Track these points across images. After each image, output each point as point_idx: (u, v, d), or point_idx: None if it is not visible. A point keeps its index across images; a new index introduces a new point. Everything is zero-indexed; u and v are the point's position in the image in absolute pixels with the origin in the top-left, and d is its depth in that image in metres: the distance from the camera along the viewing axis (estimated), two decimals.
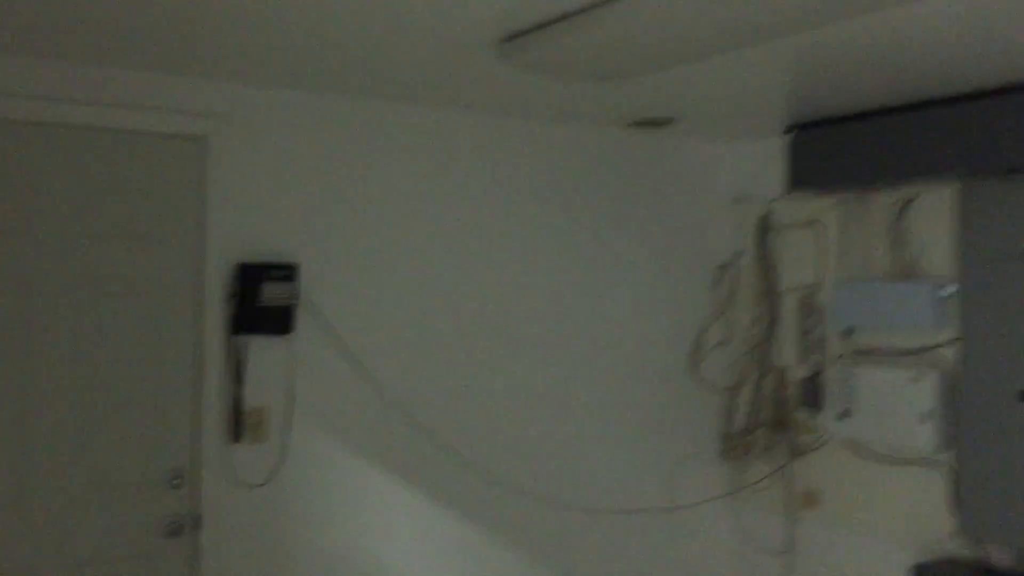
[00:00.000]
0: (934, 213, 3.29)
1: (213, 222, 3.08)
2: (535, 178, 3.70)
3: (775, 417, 3.86)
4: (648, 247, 3.96)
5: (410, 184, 3.44)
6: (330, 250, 3.28)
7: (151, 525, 3.00)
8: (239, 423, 3.10)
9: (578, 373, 3.78)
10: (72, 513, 2.89)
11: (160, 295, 3.03)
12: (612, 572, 3.86)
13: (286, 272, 3.11)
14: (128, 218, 2.98)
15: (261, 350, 3.14)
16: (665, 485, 3.97)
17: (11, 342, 2.81)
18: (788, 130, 3.60)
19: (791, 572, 3.85)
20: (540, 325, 3.69)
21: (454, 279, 3.52)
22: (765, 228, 3.92)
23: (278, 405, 3.17)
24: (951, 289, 3.20)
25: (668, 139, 3.99)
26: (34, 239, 2.84)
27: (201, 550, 3.05)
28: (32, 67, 2.81)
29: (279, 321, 3.12)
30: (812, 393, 3.67)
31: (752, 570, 4.02)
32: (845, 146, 3.37)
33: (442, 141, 3.50)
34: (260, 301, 3.07)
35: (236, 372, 3.10)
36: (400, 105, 3.40)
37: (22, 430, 2.82)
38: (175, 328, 3.05)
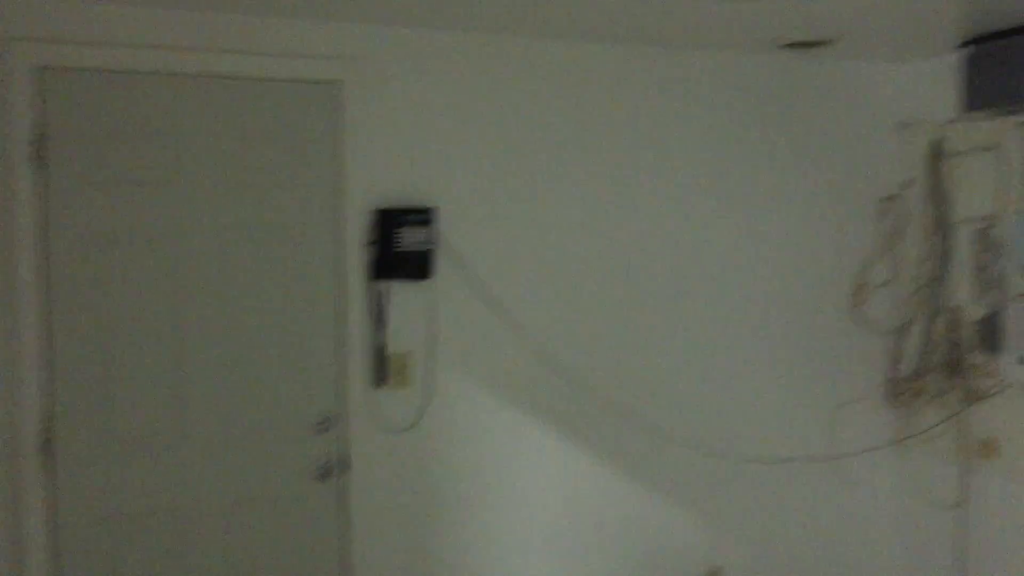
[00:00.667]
0: None
1: (351, 167, 3.07)
2: (685, 109, 3.50)
3: (948, 360, 3.56)
4: (808, 178, 3.70)
5: (551, 122, 3.32)
6: (470, 194, 3.22)
7: (302, 468, 3.07)
8: (383, 368, 3.11)
9: (734, 314, 3.60)
10: (226, 454, 2.98)
11: (302, 241, 3.05)
12: (772, 522, 3.70)
13: (424, 216, 3.07)
14: (268, 166, 3.01)
15: (402, 296, 3.13)
16: (828, 432, 3.75)
17: (163, 290, 2.90)
18: (963, 44, 3.26)
19: (965, 526, 3.58)
20: (691, 265, 3.53)
21: (598, 220, 3.39)
22: (936, 155, 3.58)
23: (421, 350, 3.16)
24: None
25: (826, 62, 3.70)
26: (178, 189, 2.91)
27: (349, 493, 3.09)
28: (168, 18, 2.84)
29: (418, 266, 3.09)
30: (990, 335, 3.36)
31: (921, 523, 3.77)
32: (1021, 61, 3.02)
33: (583, 76, 3.35)
34: (399, 246, 3.05)
35: (378, 317, 3.10)
36: (538, 41, 3.27)
37: (178, 375, 2.92)
38: (317, 274, 3.07)
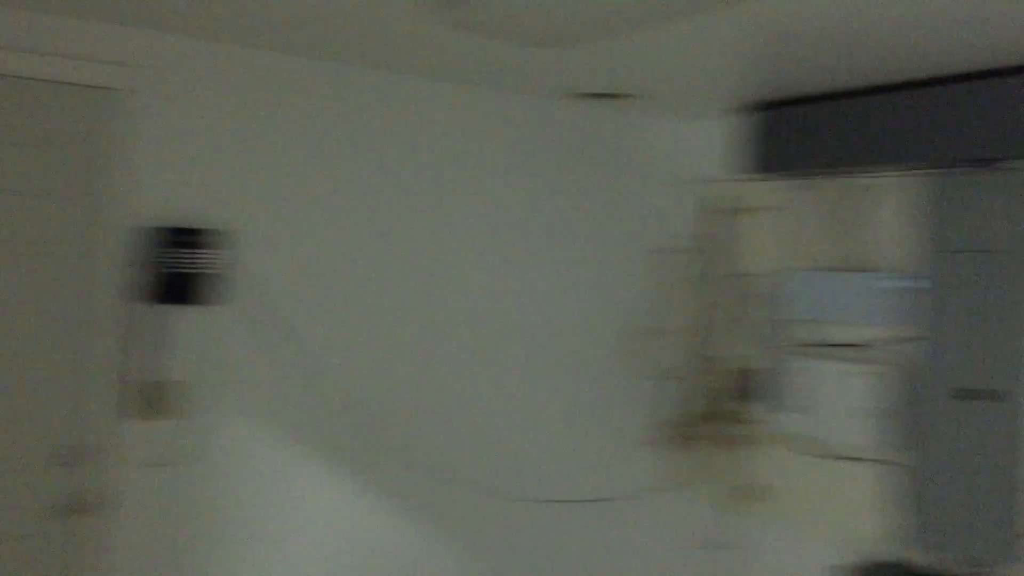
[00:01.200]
0: (892, 203, 3.15)
1: (121, 180, 2.85)
2: (478, 148, 3.50)
3: (716, 408, 3.71)
4: (592, 226, 3.78)
5: (351, 152, 3.23)
6: (264, 219, 3.06)
7: (40, 504, 2.79)
8: (151, 398, 2.89)
9: (516, 356, 3.61)
10: None
11: (50, 257, 2.78)
12: (548, 563, 3.71)
13: (206, 238, 2.90)
14: (21, 172, 2.74)
15: (183, 321, 2.93)
16: (604, 475, 3.81)
17: None
18: (747, 110, 3.44)
19: (729, 567, 3.72)
20: (482, 306, 3.51)
21: (393, 256, 3.32)
22: (713, 211, 3.75)
23: (198, 380, 2.96)
24: (907, 282, 3.06)
25: (618, 115, 3.81)
26: None
27: (103, 530, 2.85)
28: None
29: (198, 290, 2.90)
30: (756, 384, 3.53)
31: (689, 564, 3.89)
32: (801, 129, 3.21)
33: (382, 107, 3.29)
34: (176, 268, 2.85)
35: (149, 343, 2.89)
36: (337, 66, 3.18)
37: None
38: (65, 294, 2.80)
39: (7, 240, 2.72)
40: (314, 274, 3.17)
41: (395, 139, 3.33)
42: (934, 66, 2.75)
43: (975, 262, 2.81)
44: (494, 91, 3.50)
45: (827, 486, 3.34)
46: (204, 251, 2.89)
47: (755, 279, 3.60)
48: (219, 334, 2.99)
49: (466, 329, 3.49)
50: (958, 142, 2.79)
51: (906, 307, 3.05)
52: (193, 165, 2.95)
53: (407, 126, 3.35)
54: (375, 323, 3.30)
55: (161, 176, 2.90)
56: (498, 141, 3.55)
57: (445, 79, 3.35)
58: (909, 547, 3.04)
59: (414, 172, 3.37)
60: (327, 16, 2.59)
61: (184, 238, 2.86)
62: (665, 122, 3.91)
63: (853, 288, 3.20)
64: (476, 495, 3.49)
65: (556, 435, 3.72)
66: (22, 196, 2.74)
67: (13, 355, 2.74)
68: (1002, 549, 2.72)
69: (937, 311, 2.90)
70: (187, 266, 2.87)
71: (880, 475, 3.14)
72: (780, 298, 3.47)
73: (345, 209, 3.23)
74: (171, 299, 2.87)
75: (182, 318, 2.93)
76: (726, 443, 3.66)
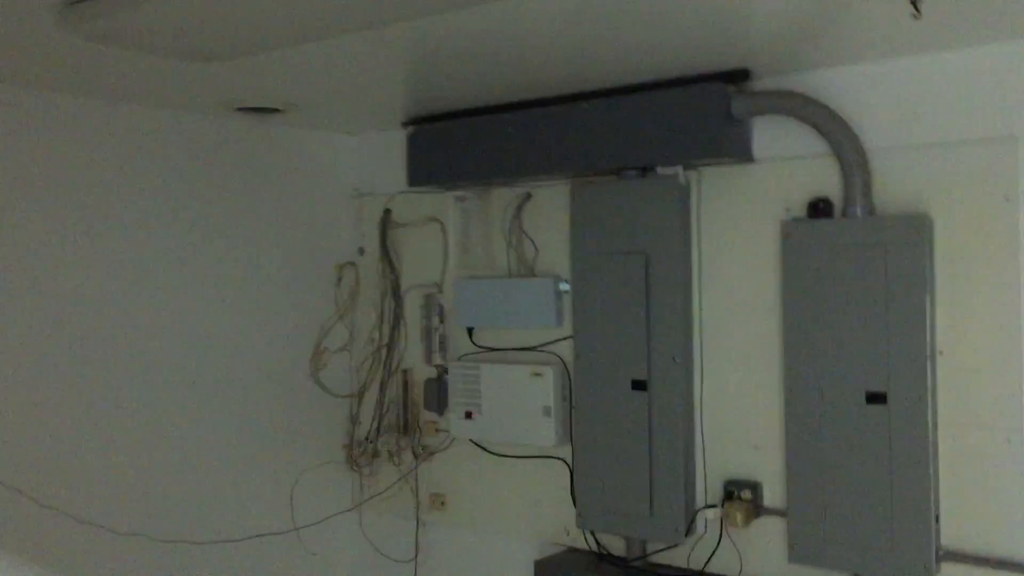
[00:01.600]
0: (551, 211, 3.33)
1: None
2: (131, 167, 3.23)
3: (401, 421, 3.73)
4: (268, 244, 3.64)
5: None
6: None
7: None
8: None
9: (181, 388, 3.37)
10: None
11: None
12: None
13: None
14: None
15: None
16: (288, 504, 3.68)
17: None
18: (407, 124, 3.48)
19: None
20: (137, 333, 3.24)
21: (25, 275, 2.97)
22: (387, 224, 3.77)
23: None
24: (567, 286, 3.24)
25: (284, 129, 3.69)
26: None
27: None
28: None
29: None
30: (437, 394, 3.59)
31: None
32: (463, 141, 3.30)
33: (17, 123, 2.94)
34: None
35: None
36: None
37: None
38: None
39: None
40: None
41: (44, 161, 2.99)
42: (582, 81, 2.94)
43: (625, 262, 3.04)
44: (151, 108, 3.25)
45: (510, 485, 3.47)
46: None
47: (428, 289, 3.65)
48: None
49: (131, 361, 3.21)
50: (604, 151, 3.01)
51: (568, 308, 3.24)
52: None
53: (56, 146, 3.02)
54: (24, 355, 2.95)
55: None
56: (156, 159, 3.30)
57: (94, 95, 3.06)
58: (593, 534, 3.23)
59: (65, 195, 3.04)
60: None
61: None
62: (330, 136, 3.85)
63: (519, 293, 3.34)
64: (143, 543, 3.21)
65: (238, 468, 3.54)
66: None
67: None
68: (678, 525, 2.97)
69: (601, 311, 3.09)
70: None
71: (559, 469, 3.31)
72: (453, 307, 3.55)
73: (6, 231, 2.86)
74: None
75: None
76: (415, 454, 3.68)
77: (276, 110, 3.32)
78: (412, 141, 3.46)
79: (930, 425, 2.56)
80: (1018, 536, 2.51)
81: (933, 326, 2.59)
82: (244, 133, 3.58)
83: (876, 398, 2.62)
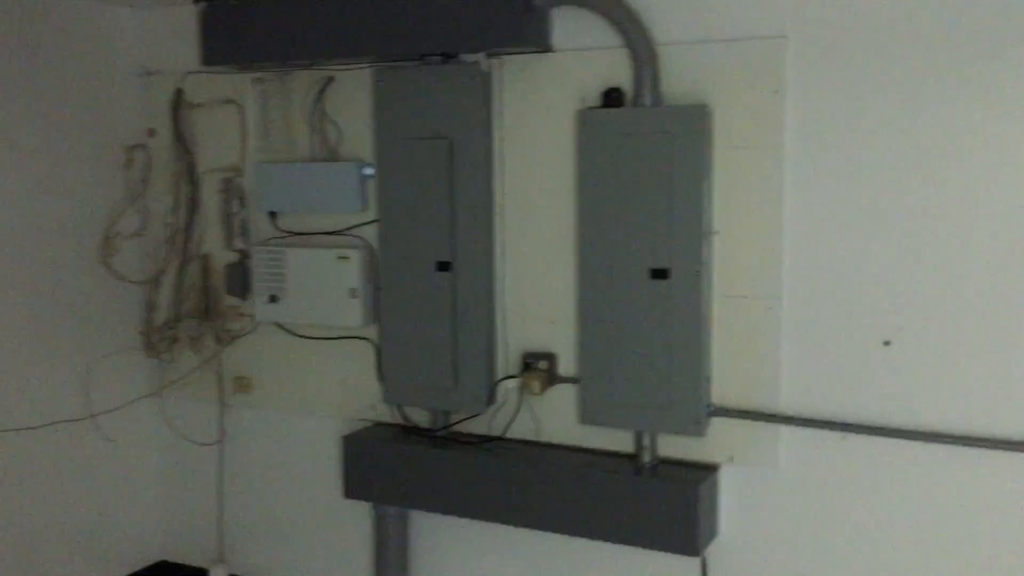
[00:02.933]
0: (353, 95, 3.33)
1: None
2: None
3: (201, 306, 3.70)
4: (44, 125, 3.44)
5: None
6: None
7: None
8: None
9: None
10: None
11: None
12: (32, 494, 3.45)
13: None
14: None
15: None
16: (83, 392, 3.60)
17: None
18: (204, 1, 3.34)
19: (225, 460, 3.79)
20: None
21: None
22: (179, 105, 3.64)
23: None
24: (371, 170, 3.29)
25: (64, 1, 3.45)
26: None
27: None
28: None
29: None
30: (239, 279, 3.58)
31: (186, 465, 3.89)
32: (262, 20, 3.24)
33: None
34: None
35: None
36: None
37: None
38: None
39: None
40: None
41: None
42: None
43: (428, 147, 3.13)
44: None
45: (316, 366, 3.55)
46: None
47: (224, 174, 3.59)
48: None
49: None
50: (408, 37, 3.04)
51: (373, 193, 3.30)
52: None
53: None
54: None
55: None
56: None
57: None
58: (399, 408, 3.39)
59: None
60: None
61: None
62: (116, 9, 3.63)
63: (322, 178, 3.36)
64: None
65: (25, 357, 3.41)
66: None
67: None
68: (480, 395, 3.17)
69: (407, 195, 3.18)
70: None
71: (364, 348, 3.42)
72: (255, 191, 3.51)
73: None
74: None
75: None
76: (217, 339, 3.67)
77: None
78: (206, 18, 3.33)
79: (704, 298, 2.87)
80: (773, 391, 2.88)
81: (709, 208, 2.86)
82: (24, 4, 3.32)
83: (659, 273, 2.88)
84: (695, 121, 2.81)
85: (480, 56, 3.05)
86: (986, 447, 2.64)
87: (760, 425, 2.90)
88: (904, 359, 2.72)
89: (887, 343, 2.74)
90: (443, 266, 3.14)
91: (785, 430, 2.88)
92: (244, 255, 3.58)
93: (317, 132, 3.41)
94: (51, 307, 3.50)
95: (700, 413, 2.90)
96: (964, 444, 2.66)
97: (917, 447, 2.72)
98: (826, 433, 2.83)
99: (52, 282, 3.50)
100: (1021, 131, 2.54)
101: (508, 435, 3.23)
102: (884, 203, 2.70)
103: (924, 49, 2.61)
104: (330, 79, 3.36)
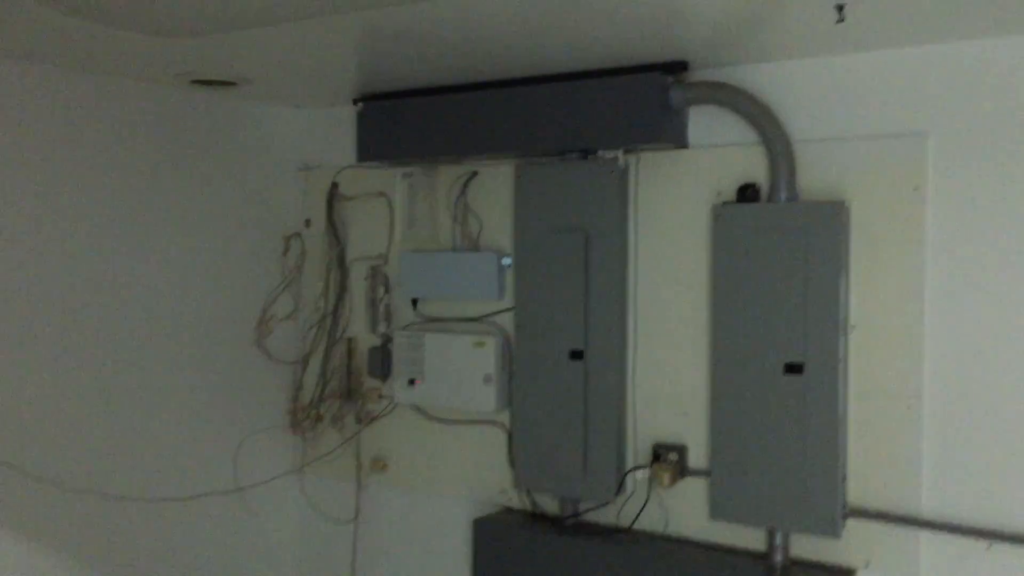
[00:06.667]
0: (495, 189, 3.49)
1: None
2: (82, 135, 3.29)
3: (345, 387, 3.86)
4: (216, 215, 3.73)
5: None
6: None
7: None
8: None
9: (140, 349, 3.46)
10: None
11: None
12: (179, 562, 3.62)
13: None
14: None
15: None
16: (232, 466, 3.80)
17: None
18: (357, 100, 3.59)
19: (359, 538, 3.90)
20: (88, 300, 3.31)
21: None
22: (333, 198, 3.88)
23: None
24: (509, 260, 3.42)
25: (234, 102, 3.78)
26: None
27: None
28: None
29: None
30: (381, 362, 3.73)
31: (322, 540, 4.01)
32: (412, 119, 3.44)
33: None
34: None
35: None
36: None
37: None
38: None
39: None
40: None
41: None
42: (529, 67, 3.10)
43: (565, 239, 3.22)
44: (103, 76, 3.30)
45: (450, 450, 3.63)
46: None
47: (372, 261, 3.79)
48: None
49: (86, 331, 3.29)
50: (549, 134, 3.18)
51: (511, 282, 3.41)
52: None
53: (8, 112, 3.06)
54: None
55: None
56: (108, 129, 3.35)
57: (46, 62, 3.11)
58: (529, 495, 3.42)
59: (16, 162, 3.09)
60: None
61: None
62: (280, 110, 3.94)
63: (464, 267, 3.50)
64: (95, 500, 3.31)
65: (185, 429, 3.64)
66: None
67: None
68: (610, 485, 3.18)
69: (542, 285, 3.27)
70: None
71: (497, 434, 3.49)
72: (399, 278, 3.69)
73: None
74: None
75: None
76: (358, 419, 3.82)
77: (229, 83, 3.40)
78: (362, 118, 3.57)
79: (840, 394, 2.81)
80: (913, 494, 2.78)
81: (846, 303, 2.83)
82: (196, 106, 3.65)
83: (793, 368, 2.85)
84: (831, 217, 2.81)
85: (617, 152, 3.15)
86: None
87: (899, 529, 2.79)
88: None
89: None
90: (576, 355, 3.19)
91: (926, 536, 2.76)
92: (386, 339, 3.74)
93: (459, 223, 3.57)
94: (208, 384, 3.73)
95: (835, 513, 2.82)
96: None
97: None
98: (971, 541, 2.70)
99: (210, 360, 3.73)
100: None
101: (636, 527, 3.20)
102: None
103: None
104: (474, 173, 3.53)
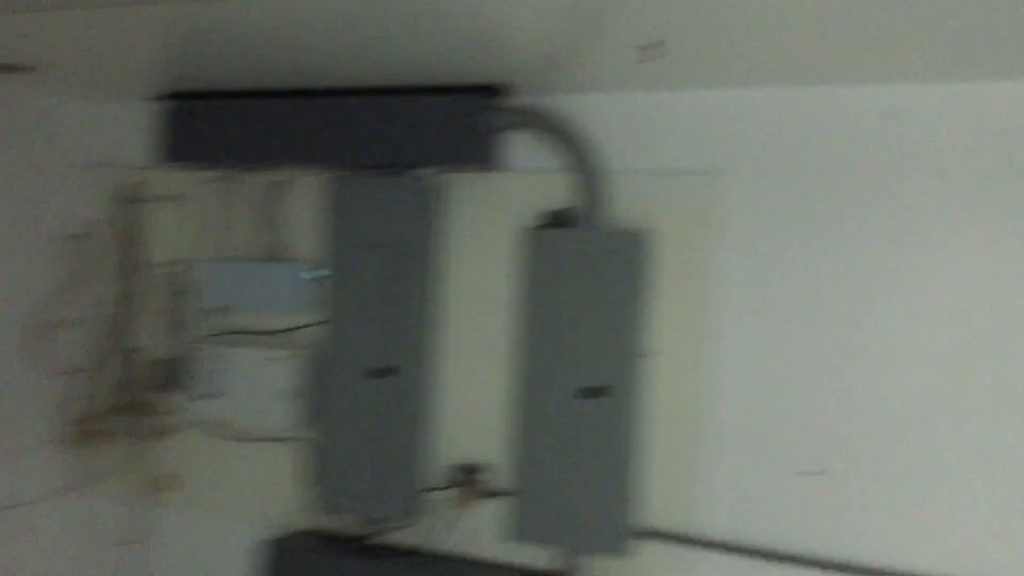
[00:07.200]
0: (305, 199, 3.39)
1: None
2: None
3: (131, 400, 3.63)
4: None
5: None
6: None
7: None
8: None
9: None
10: None
11: None
12: None
13: None
14: None
15: None
16: (9, 479, 3.48)
17: None
18: (163, 98, 3.40)
19: (144, 560, 3.67)
20: None
21: None
22: (128, 198, 3.65)
23: None
24: (317, 273, 3.32)
25: (22, 92, 3.48)
26: None
27: None
28: None
29: None
30: (173, 374, 3.54)
31: (102, 563, 3.75)
32: (225, 122, 3.29)
33: None
34: None
35: None
36: None
37: None
38: None
39: None
40: None
41: None
42: (349, 78, 3.04)
43: (375, 255, 3.17)
44: None
45: (245, 468, 3.48)
46: None
47: (168, 268, 3.59)
48: None
49: None
50: (363, 148, 3.12)
51: (316, 295, 3.32)
52: None
53: None
54: None
55: None
56: None
57: None
58: (327, 515, 3.33)
59: None
60: None
61: None
62: (72, 103, 3.67)
63: (268, 277, 3.38)
64: None
65: None
66: None
67: None
68: (410, 505, 3.14)
69: (352, 300, 3.20)
70: None
71: (296, 451, 3.38)
72: (194, 287, 3.51)
73: None
74: None
75: None
76: (141, 435, 3.60)
77: (13, 68, 3.13)
78: (170, 117, 3.38)
79: (634, 417, 2.91)
80: (704, 516, 2.91)
81: (644, 330, 2.93)
82: None
83: (590, 392, 2.92)
84: (630, 246, 2.91)
85: (429, 171, 3.14)
86: None
87: (689, 550, 2.91)
88: (837, 490, 2.77)
89: (819, 472, 2.79)
90: (380, 372, 3.14)
91: (715, 557, 2.89)
92: (180, 350, 3.55)
93: (265, 232, 3.44)
94: None
95: (625, 534, 2.90)
96: None
97: None
98: (756, 562, 2.84)
99: None
100: (939, 262, 2.68)
101: (436, 548, 3.18)
102: (817, 332, 2.80)
103: (845, 187, 2.78)
104: (284, 182, 3.42)
